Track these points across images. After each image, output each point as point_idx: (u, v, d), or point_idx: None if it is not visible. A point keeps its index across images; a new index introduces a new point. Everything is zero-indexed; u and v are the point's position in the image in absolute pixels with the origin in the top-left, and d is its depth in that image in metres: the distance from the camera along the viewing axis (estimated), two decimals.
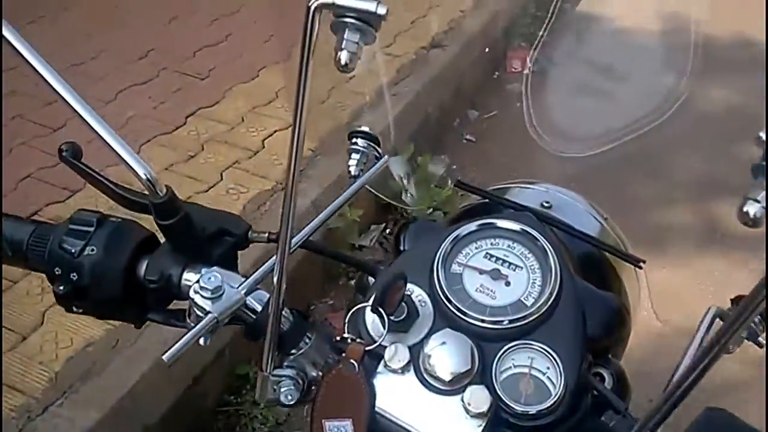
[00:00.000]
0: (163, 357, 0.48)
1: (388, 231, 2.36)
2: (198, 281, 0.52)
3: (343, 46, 0.41)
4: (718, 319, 0.57)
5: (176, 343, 0.49)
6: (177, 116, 2.42)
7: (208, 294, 0.52)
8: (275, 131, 2.38)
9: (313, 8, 0.41)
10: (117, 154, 0.52)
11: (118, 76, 2.63)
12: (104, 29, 2.94)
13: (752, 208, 0.36)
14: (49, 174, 2.09)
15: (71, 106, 0.51)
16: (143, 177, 0.52)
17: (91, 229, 0.56)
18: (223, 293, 0.52)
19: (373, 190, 0.79)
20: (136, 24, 3.03)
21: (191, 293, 0.53)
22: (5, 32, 0.50)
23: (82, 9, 3.11)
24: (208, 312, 0.51)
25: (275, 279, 0.52)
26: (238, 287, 0.53)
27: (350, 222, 2.10)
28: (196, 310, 0.53)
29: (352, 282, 2.19)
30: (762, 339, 0.55)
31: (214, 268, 0.55)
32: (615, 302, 0.60)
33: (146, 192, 0.56)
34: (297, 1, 0.46)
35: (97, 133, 0.51)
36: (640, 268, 0.69)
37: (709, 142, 2.75)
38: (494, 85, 3.22)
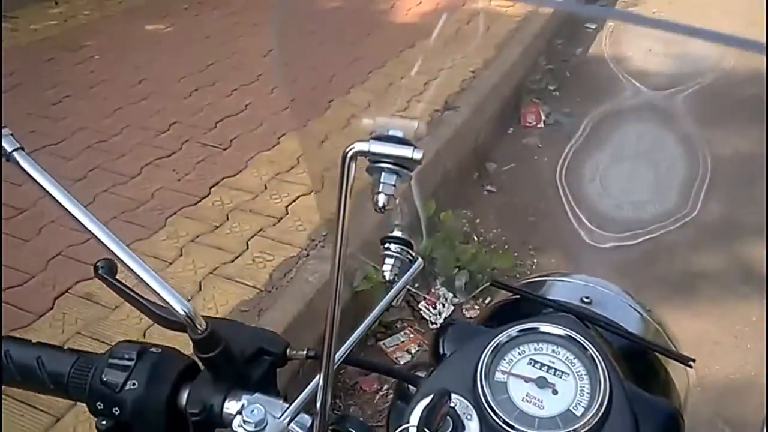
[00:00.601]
0: None
1: (416, 286, 2.36)
2: (241, 412, 0.53)
3: (380, 189, 0.42)
4: None
5: None
6: (201, 187, 2.47)
7: (251, 428, 0.52)
8: (298, 197, 2.42)
9: (349, 155, 0.42)
10: (153, 291, 0.52)
11: (141, 150, 2.70)
12: (128, 104, 3.04)
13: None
14: (79, 251, 2.13)
15: (105, 246, 0.52)
16: (182, 313, 0.52)
17: (132, 362, 0.56)
18: (266, 426, 0.52)
19: (413, 289, 0.79)
20: (158, 98, 3.13)
21: (235, 426, 0.53)
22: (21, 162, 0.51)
23: (107, 87, 3.22)
24: None
25: (318, 402, 0.52)
26: (280, 417, 0.53)
27: (377, 283, 2.10)
28: None
29: (380, 342, 2.17)
30: None
31: (256, 395, 0.55)
32: (668, 407, 0.59)
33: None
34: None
35: (132, 271, 0.51)
36: (690, 366, 0.68)
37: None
38: (510, 140, 3.27)
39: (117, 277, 0.58)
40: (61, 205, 0.51)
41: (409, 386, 0.63)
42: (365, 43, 3.76)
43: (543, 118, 3.27)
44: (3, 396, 1.61)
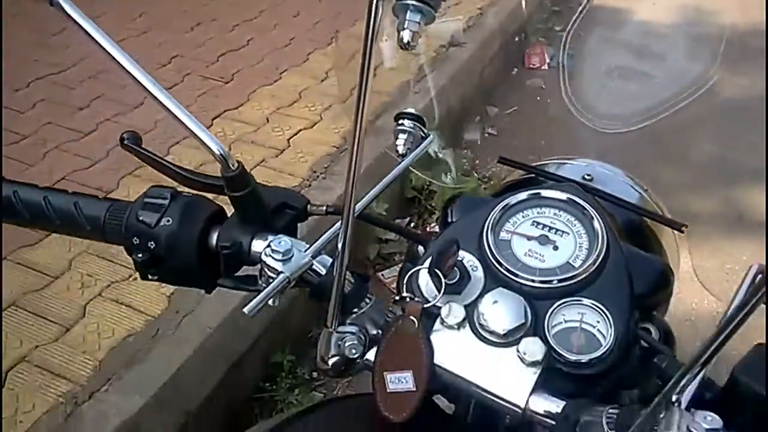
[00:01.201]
0: (244, 309, 0.53)
1: (412, 224, 2.40)
2: (269, 245, 0.57)
3: (405, 26, 0.45)
4: (760, 275, 0.60)
5: (254, 298, 0.53)
6: (203, 119, 2.48)
7: (279, 256, 0.57)
8: (300, 130, 2.43)
9: None
10: (190, 131, 0.56)
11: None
12: (128, 37, 3.02)
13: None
14: (84, 176, 2.17)
15: (143, 86, 0.55)
16: (216, 152, 0.57)
17: (166, 202, 0.61)
18: (292, 256, 0.57)
19: (416, 171, 0.83)
20: (159, 32, 3.10)
21: (263, 256, 0.57)
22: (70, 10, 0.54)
23: (107, 20, 3.19)
24: (280, 272, 0.55)
25: (339, 244, 0.56)
26: (305, 251, 0.58)
27: (376, 216, 2.15)
28: (267, 271, 0.57)
29: (378, 273, 2.23)
30: None
31: (281, 235, 0.60)
32: (659, 263, 0.64)
33: (210, 174, 0.60)
34: None
35: (169, 111, 0.55)
36: (682, 232, 0.72)
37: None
38: (514, 81, 3.26)
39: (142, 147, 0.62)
40: (100, 46, 0.55)
41: (419, 250, 0.68)
42: None
43: (547, 60, 3.26)
44: (15, 307, 1.67)
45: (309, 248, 0.59)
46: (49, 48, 2.88)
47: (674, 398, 0.43)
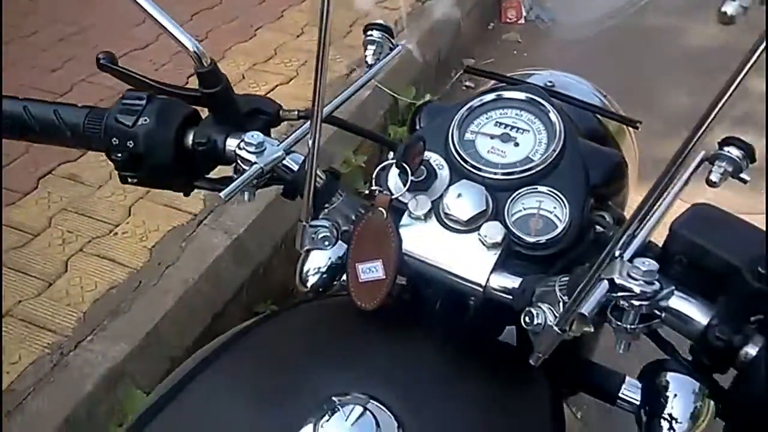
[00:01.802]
0: (221, 194, 0.54)
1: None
2: (243, 140, 0.59)
3: None
4: (706, 162, 0.62)
5: (230, 185, 0.55)
6: (179, 76, 2.45)
7: (252, 149, 0.59)
8: (276, 86, 2.42)
9: None
10: (165, 30, 0.57)
11: (117, 41, 2.66)
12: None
13: (730, 8, 0.41)
14: None
15: None
16: (190, 48, 0.58)
17: (143, 103, 0.62)
18: (265, 149, 0.59)
19: (381, 86, 0.84)
20: None
21: (237, 151, 0.60)
22: None
23: None
24: (254, 163, 0.57)
25: (310, 140, 0.57)
26: (277, 146, 0.60)
27: (355, 168, 2.16)
28: (241, 164, 0.59)
29: None
30: (745, 175, 0.60)
31: (254, 131, 0.61)
32: (614, 156, 0.66)
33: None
34: None
35: (145, 10, 0.57)
36: (637, 128, 0.75)
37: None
38: (490, 36, 3.26)
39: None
40: None
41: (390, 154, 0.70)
42: None
43: (524, 13, 3.25)
44: None
45: (282, 143, 0.61)
46: (19, 12, 2.82)
47: (617, 253, 0.46)
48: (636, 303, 0.45)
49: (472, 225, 0.58)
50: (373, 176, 0.62)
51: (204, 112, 0.66)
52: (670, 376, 0.65)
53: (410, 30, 2.73)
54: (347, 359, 0.59)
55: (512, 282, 0.55)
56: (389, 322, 0.64)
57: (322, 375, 0.57)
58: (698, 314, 0.47)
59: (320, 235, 0.59)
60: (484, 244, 0.57)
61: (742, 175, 0.60)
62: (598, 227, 0.60)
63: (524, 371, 0.63)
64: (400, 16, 2.81)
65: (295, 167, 0.61)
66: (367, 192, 0.62)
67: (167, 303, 1.58)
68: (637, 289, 0.45)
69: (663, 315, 0.47)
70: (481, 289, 0.56)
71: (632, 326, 0.46)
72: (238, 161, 0.60)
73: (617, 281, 0.45)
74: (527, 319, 0.51)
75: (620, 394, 0.71)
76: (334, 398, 0.52)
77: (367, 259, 0.59)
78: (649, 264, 0.45)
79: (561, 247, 0.57)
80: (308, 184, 0.57)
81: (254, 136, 0.59)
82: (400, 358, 0.60)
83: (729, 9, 0.41)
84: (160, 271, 1.67)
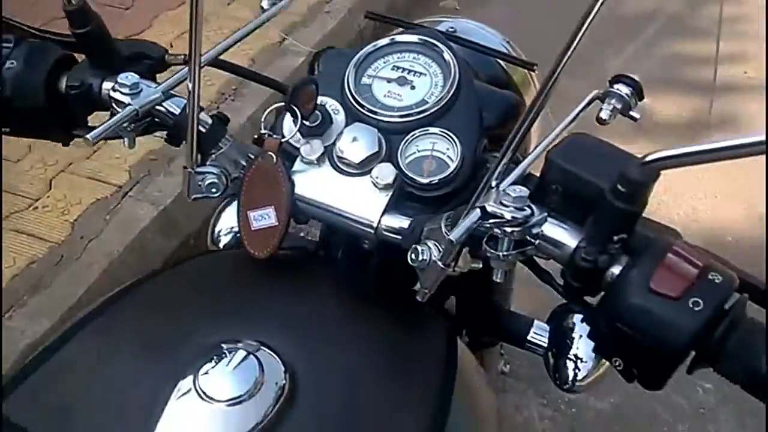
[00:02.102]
0: (87, 136, 0.52)
1: None
2: (117, 82, 0.56)
3: None
4: (597, 101, 0.62)
5: (100, 126, 0.52)
6: None
7: (126, 90, 0.56)
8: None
9: None
10: None
11: (36, 9, 2.52)
12: None
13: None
14: None
15: None
16: None
17: (11, 45, 0.59)
18: (141, 90, 0.56)
19: (282, 34, 0.82)
20: None
21: (111, 93, 0.57)
22: None
23: None
24: (128, 105, 0.54)
25: (189, 82, 0.55)
26: (156, 87, 0.57)
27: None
28: (116, 107, 0.56)
29: None
30: (635, 114, 0.61)
31: (129, 73, 0.58)
32: (510, 98, 0.66)
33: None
34: None
35: None
36: (534, 71, 0.75)
37: None
38: (427, 2, 3.24)
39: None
40: None
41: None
42: None
43: None
44: None
45: (160, 85, 0.58)
46: None
47: (493, 183, 0.46)
48: (508, 229, 0.45)
49: (364, 168, 0.57)
50: (262, 120, 0.60)
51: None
52: (577, 317, 0.66)
53: None
54: (242, 309, 0.58)
55: (404, 222, 0.55)
56: (290, 271, 0.63)
57: (215, 324, 0.55)
58: (568, 238, 0.48)
59: (207, 182, 0.58)
60: (376, 186, 0.56)
61: (632, 113, 0.60)
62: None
63: (425, 317, 0.63)
64: None
65: (177, 110, 0.59)
66: (256, 137, 0.60)
67: (91, 276, 1.53)
68: (508, 215, 0.45)
69: (537, 242, 0.48)
70: (372, 231, 0.56)
71: (506, 253, 0.46)
72: (113, 104, 0.57)
73: (489, 209, 0.45)
74: (413, 256, 0.51)
75: (529, 337, 0.73)
76: (222, 345, 0.51)
77: (258, 206, 0.58)
78: (520, 191, 0.46)
79: (453, 187, 0.57)
80: (190, 127, 0.56)
81: (128, 77, 0.57)
82: (298, 306, 0.59)
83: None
84: (82, 245, 1.61)
